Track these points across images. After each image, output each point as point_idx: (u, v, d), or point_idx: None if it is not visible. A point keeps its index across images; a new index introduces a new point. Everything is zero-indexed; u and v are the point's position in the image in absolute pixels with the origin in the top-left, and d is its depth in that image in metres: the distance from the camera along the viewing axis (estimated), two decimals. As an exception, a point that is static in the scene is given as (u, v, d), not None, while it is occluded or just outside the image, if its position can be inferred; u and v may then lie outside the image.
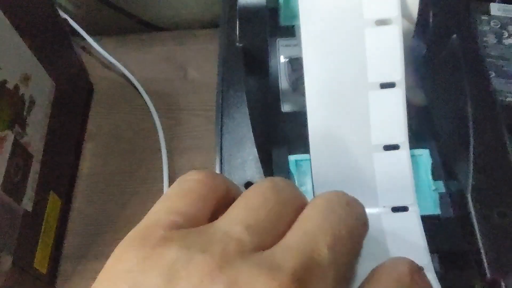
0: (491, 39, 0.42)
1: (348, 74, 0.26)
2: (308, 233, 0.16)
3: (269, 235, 0.16)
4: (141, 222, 0.17)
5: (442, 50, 0.31)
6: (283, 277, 0.14)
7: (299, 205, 0.18)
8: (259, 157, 0.27)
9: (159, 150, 0.42)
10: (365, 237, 0.19)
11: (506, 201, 0.26)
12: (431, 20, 0.31)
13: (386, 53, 0.25)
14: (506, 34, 0.42)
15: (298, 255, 0.15)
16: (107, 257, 0.40)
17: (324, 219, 0.17)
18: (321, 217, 0.17)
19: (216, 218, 0.17)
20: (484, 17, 0.43)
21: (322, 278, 0.15)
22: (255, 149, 0.28)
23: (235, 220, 0.16)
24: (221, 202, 0.18)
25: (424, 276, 0.17)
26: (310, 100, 0.26)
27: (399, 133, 0.26)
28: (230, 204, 0.18)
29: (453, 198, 0.28)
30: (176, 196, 0.18)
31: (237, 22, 0.31)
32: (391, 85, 0.25)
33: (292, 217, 0.17)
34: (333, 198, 0.18)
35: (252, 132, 0.28)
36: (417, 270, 0.17)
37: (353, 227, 0.17)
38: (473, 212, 0.25)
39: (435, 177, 0.28)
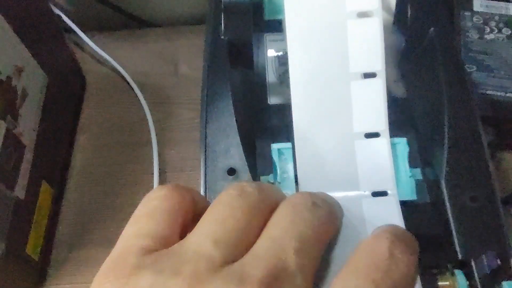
0: (473, 34, 0.43)
1: (330, 64, 0.27)
2: (275, 240, 0.16)
3: (238, 246, 0.16)
4: (114, 249, 0.17)
5: (420, 43, 0.32)
6: (251, 287, 0.15)
7: (270, 208, 0.18)
8: (242, 145, 0.28)
9: (150, 142, 0.43)
10: (333, 234, 0.19)
11: (478, 187, 0.27)
12: (409, 14, 0.32)
13: (367, 44, 0.26)
14: (488, 30, 0.43)
15: (266, 263, 0.16)
16: (97, 245, 0.41)
17: (290, 224, 0.17)
18: (287, 221, 0.17)
19: (187, 232, 0.17)
20: (467, 13, 0.44)
21: (290, 282, 0.15)
22: (238, 137, 0.29)
23: (203, 235, 0.16)
24: (190, 215, 0.18)
25: (406, 248, 0.17)
26: (295, 89, 0.27)
27: (380, 121, 0.27)
28: (200, 214, 0.18)
29: (429, 184, 0.29)
30: (143, 217, 0.18)
31: (222, 16, 0.32)
32: (372, 75, 0.26)
33: (262, 223, 0.17)
34: (298, 201, 0.18)
35: (236, 121, 0.29)
36: (397, 244, 0.17)
37: (320, 228, 0.17)
38: (446, 197, 0.27)
39: (412, 164, 0.29)
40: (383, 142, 0.27)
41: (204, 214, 0.18)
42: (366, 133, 0.27)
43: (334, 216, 0.19)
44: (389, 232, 0.17)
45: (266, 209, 0.18)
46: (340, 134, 0.27)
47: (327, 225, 0.18)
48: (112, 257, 0.17)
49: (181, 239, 0.17)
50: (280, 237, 0.17)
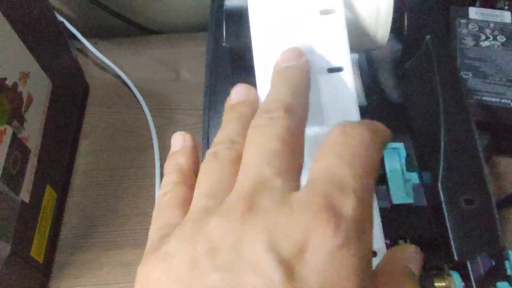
0: (469, 41, 0.44)
1: None
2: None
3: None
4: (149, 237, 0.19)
5: (416, 50, 0.33)
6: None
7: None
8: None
9: (152, 147, 0.44)
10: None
11: (473, 190, 0.27)
12: (406, 22, 0.33)
13: (331, 41, 0.26)
14: (483, 37, 0.44)
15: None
16: (100, 248, 0.41)
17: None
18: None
19: None
20: (463, 21, 0.45)
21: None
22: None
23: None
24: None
25: (356, 125, 0.18)
26: (261, 87, 0.27)
27: (352, 114, 0.26)
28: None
29: (425, 188, 0.29)
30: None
31: (224, 23, 0.32)
32: (339, 69, 0.26)
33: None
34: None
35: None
36: (347, 124, 0.18)
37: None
38: (442, 200, 0.27)
39: (409, 168, 0.30)
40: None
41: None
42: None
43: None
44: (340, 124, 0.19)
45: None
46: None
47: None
48: (144, 252, 0.19)
49: None
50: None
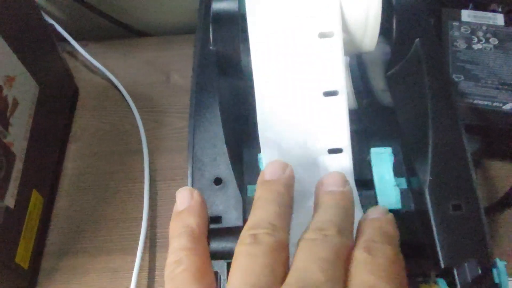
0: (461, 44, 0.43)
1: (293, 82, 0.27)
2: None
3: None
4: None
5: (406, 53, 0.33)
6: None
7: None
8: (229, 155, 0.29)
9: (141, 151, 0.44)
10: None
11: (461, 195, 0.27)
12: (394, 25, 0.32)
13: (328, 64, 0.26)
14: (475, 40, 0.44)
15: None
16: (87, 253, 0.41)
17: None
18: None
19: None
20: (455, 23, 0.45)
21: None
22: (225, 147, 0.29)
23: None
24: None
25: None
26: (260, 106, 0.27)
27: (342, 137, 0.27)
28: None
29: (413, 193, 0.29)
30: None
31: (210, 26, 0.32)
32: (334, 93, 0.27)
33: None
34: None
35: (223, 131, 0.30)
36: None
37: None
38: (429, 205, 0.27)
39: (397, 173, 0.30)
40: (346, 158, 0.27)
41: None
42: (329, 149, 0.27)
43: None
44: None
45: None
46: (307, 152, 0.27)
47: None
48: None
49: None
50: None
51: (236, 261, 0.19)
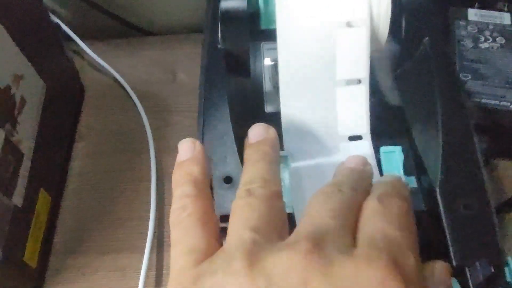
0: (468, 43, 0.43)
1: (318, 71, 0.27)
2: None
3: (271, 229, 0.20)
4: (170, 272, 0.19)
5: (414, 52, 0.33)
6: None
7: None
8: (239, 153, 0.29)
9: (148, 150, 0.44)
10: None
11: (472, 194, 0.27)
12: (403, 24, 0.32)
13: (353, 53, 0.27)
14: (482, 39, 0.44)
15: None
16: (95, 252, 0.41)
17: None
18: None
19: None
20: (462, 22, 0.45)
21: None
22: (235, 145, 0.29)
23: (239, 228, 0.19)
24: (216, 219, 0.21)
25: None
26: (284, 95, 0.27)
27: (362, 125, 0.27)
28: None
29: (423, 192, 0.29)
30: (183, 237, 0.20)
31: (219, 25, 0.32)
32: (357, 82, 0.27)
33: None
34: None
35: (232, 128, 0.30)
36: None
37: None
38: (441, 204, 0.27)
39: (407, 172, 0.30)
40: (366, 145, 0.28)
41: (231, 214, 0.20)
42: (350, 136, 0.27)
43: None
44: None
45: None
46: (326, 137, 0.27)
47: None
48: (171, 279, 0.18)
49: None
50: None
51: (234, 214, 0.20)
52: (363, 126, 0.27)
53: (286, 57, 0.27)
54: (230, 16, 0.32)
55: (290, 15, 0.27)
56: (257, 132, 0.24)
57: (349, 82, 0.26)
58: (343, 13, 0.26)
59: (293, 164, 0.27)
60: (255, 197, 0.20)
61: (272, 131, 0.24)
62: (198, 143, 0.23)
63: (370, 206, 0.20)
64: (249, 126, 0.32)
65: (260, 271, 0.16)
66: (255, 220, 0.19)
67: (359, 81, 0.26)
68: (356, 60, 0.26)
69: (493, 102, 0.40)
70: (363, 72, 0.26)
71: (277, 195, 0.21)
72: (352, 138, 0.27)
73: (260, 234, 0.18)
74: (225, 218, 0.25)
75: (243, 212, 0.19)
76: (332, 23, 0.26)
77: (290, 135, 0.28)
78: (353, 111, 0.27)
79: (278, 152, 0.24)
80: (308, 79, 0.27)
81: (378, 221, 0.19)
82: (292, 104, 0.27)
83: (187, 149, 0.23)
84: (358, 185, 0.21)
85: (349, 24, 0.26)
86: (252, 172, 0.21)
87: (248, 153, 0.23)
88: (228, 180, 0.28)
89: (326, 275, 0.16)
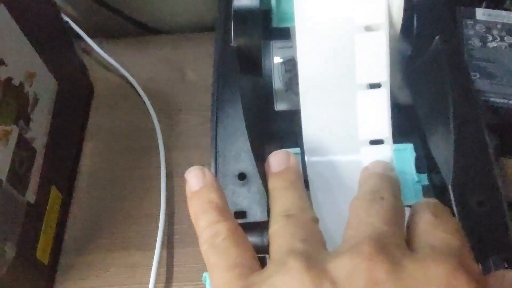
0: (476, 42, 0.44)
1: (338, 75, 0.27)
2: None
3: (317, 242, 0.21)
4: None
5: (426, 51, 0.33)
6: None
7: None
8: (252, 150, 0.29)
9: (157, 148, 0.44)
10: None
11: (485, 191, 0.27)
12: (415, 23, 0.33)
13: (373, 57, 0.27)
14: (490, 38, 0.44)
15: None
16: (105, 249, 0.41)
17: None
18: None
19: None
20: (470, 22, 0.45)
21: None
22: (248, 142, 0.29)
23: (286, 241, 0.20)
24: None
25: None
26: (304, 98, 0.27)
27: (383, 129, 0.27)
28: None
29: (435, 189, 0.29)
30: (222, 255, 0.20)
31: (232, 23, 0.32)
32: (377, 85, 0.27)
33: None
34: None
35: (246, 126, 0.30)
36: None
37: None
38: (453, 202, 0.27)
39: (419, 170, 0.30)
40: (387, 149, 0.28)
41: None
42: (371, 140, 0.27)
43: None
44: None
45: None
46: (346, 141, 0.27)
47: None
48: None
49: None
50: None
51: (275, 235, 0.20)
52: (384, 130, 0.27)
53: (305, 60, 0.27)
54: (243, 14, 0.32)
55: (309, 16, 0.27)
56: (279, 161, 0.24)
57: (369, 86, 0.26)
58: (362, 18, 0.26)
59: (311, 159, 0.27)
60: (296, 218, 0.20)
61: (293, 158, 0.24)
62: (206, 169, 0.23)
63: (425, 220, 0.20)
64: (261, 124, 0.32)
65: (321, 274, 0.16)
66: (301, 234, 0.19)
67: (380, 85, 0.26)
68: (376, 64, 0.26)
69: (501, 101, 0.40)
70: (384, 76, 0.26)
71: (315, 220, 0.21)
72: (374, 142, 0.27)
73: (311, 246, 0.18)
74: (240, 214, 0.26)
75: (287, 230, 0.20)
76: (351, 27, 0.26)
77: (309, 136, 0.28)
78: (374, 115, 0.27)
79: (303, 179, 0.24)
80: (327, 81, 0.27)
81: (438, 232, 0.19)
82: (312, 107, 0.27)
83: (197, 177, 0.22)
84: (395, 192, 0.22)
85: (368, 28, 0.26)
86: (285, 200, 0.22)
87: (273, 182, 0.23)
88: (242, 176, 0.28)
89: (395, 275, 0.16)
